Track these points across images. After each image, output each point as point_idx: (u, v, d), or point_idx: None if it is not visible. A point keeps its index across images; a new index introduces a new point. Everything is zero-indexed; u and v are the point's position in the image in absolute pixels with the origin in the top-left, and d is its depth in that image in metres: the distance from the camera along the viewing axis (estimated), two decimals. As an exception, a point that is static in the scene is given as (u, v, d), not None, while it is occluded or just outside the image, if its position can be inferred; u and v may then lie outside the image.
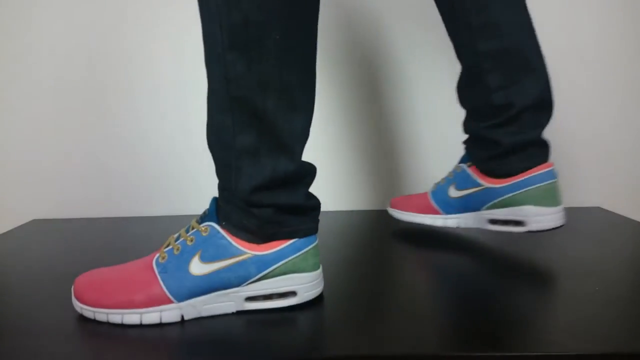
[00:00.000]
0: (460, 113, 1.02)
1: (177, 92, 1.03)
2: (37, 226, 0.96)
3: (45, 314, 0.55)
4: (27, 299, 0.59)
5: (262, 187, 0.52)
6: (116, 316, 0.52)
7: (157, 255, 0.55)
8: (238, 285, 0.54)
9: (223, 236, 0.54)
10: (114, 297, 0.52)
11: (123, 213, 1.06)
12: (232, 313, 0.55)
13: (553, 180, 0.68)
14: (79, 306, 0.54)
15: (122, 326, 0.51)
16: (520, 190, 0.69)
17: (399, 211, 0.86)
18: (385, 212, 1.01)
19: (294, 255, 0.55)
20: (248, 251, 0.53)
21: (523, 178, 0.69)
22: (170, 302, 0.52)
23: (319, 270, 0.58)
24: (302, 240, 0.55)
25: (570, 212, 1.01)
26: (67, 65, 1.00)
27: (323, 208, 1.07)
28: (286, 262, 0.54)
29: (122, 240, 0.85)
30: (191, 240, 0.54)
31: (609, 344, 0.46)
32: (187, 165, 1.05)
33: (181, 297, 0.52)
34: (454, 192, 0.77)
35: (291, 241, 0.55)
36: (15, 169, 1.03)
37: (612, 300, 0.56)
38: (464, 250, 0.75)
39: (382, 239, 0.83)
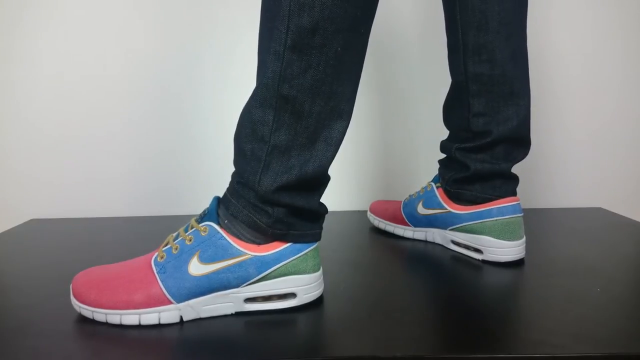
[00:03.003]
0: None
1: (177, 93, 1.02)
2: (36, 226, 0.96)
3: (44, 314, 0.55)
4: (26, 298, 0.59)
5: (285, 187, 0.53)
6: (115, 317, 0.51)
7: (156, 254, 0.54)
8: (237, 286, 0.53)
9: (222, 236, 0.53)
10: (112, 297, 0.52)
11: (122, 213, 1.05)
12: (231, 314, 0.54)
13: (515, 215, 0.69)
14: (77, 305, 0.53)
15: (121, 326, 0.51)
16: (479, 221, 0.70)
17: (374, 217, 0.89)
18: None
19: (294, 257, 0.54)
20: (248, 252, 0.53)
21: (483, 209, 0.70)
22: (170, 302, 0.52)
23: (319, 272, 0.57)
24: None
25: (570, 212, 1.01)
26: (67, 65, 1.00)
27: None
28: (286, 264, 0.54)
29: (121, 240, 0.84)
30: (190, 240, 0.54)
31: (611, 346, 0.46)
32: (187, 165, 1.05)
33: (180, 298, 0.52)
34: (421, 209, 0.79)
35: (290, 243, 0.55)
36: (14, 169, 1.03)
37: (613, 301, 0.56)
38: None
39: (382, 240, 0.83)
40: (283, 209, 0.53)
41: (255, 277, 0.53)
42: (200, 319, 0.53)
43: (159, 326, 0.51)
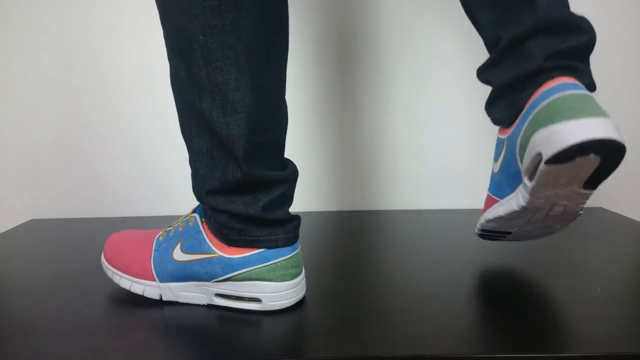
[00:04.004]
0: (451, 113, 1.02)
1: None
2: (36, 226, 0.96)
3: (44, 314, 0.55)
4: (26, 298, 0.59)
5: (214, 191, 0.52)
6: (116, 277, 0.58)
7: (160, 232, 0.59)
8: (207, 280, 0.55)
9: (200, 230, 0.55)
10: (119, 260, 0.58)
11: (122, 213, 1.05)
12: (205, 305, 0.56)
13: (576, 92, 0.51)
14: (102, 259, 0.60)
15: (121, 328, 0.51)
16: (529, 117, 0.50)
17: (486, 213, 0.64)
18: (373, 212, 1.01)
19: (260, 265, 0.53)
20: (217, 251, 0.54)
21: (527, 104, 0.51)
22: (153, 279, 0.56)
23: (291, 282, 0.54)
24: (272, 251, 0.53)
25: (571, 212, 1.00)
26: (65, 66, 1.01)
27: (311, 209, 1.07)
28: (250, 270, 0.53)
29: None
30: (182, 227, 0.57)
31: (611, 345, 0.45)
32: (187, 165, 1.05)
33: (162, 278, 0.56)
34: (495, 167, 0.60)
35: (258, 250, 0.53)
36: (14, 169, 1.03)
37: (614, 300, 0.55)
38: (460, 251, 0.74)
39: (381, 240, 0.82)
40: (224, 214, 0.52)
41: (221, 276, 0.54)
42: (182, 307, 0.55)
43: (164, 330, 0.51)
